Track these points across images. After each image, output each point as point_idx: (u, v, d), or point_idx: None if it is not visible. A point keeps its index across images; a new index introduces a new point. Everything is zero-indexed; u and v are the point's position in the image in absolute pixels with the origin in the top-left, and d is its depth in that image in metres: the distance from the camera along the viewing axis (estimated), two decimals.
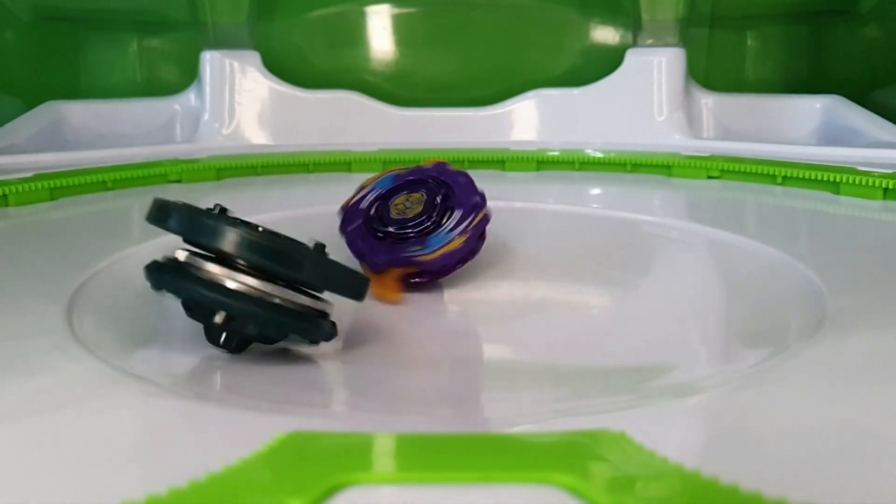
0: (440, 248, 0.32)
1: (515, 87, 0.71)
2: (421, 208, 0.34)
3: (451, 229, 0.33)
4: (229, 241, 0.24)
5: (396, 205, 0.34)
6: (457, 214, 0.33)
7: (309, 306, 0.25)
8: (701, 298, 0.34)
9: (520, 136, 0.69)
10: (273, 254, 0.24)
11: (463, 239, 0.32)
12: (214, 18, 0.71)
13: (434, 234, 0.32)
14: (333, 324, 0.26)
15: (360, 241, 0.33)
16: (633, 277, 0.37)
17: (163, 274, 0.25)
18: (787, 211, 0.48)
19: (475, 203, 0.34)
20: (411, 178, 0.36)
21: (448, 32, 0.77)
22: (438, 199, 0.34)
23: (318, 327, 0.25)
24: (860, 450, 0.18)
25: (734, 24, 0.76)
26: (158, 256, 0.26)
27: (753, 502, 0.15)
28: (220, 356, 0.28)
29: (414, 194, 0.35)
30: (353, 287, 0.26)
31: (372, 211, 0.35)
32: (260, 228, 0.26)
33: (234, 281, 0.24)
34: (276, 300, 0.24)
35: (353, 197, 0.36)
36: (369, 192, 0.36)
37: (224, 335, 0.26)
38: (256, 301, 0.24)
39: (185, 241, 0.26)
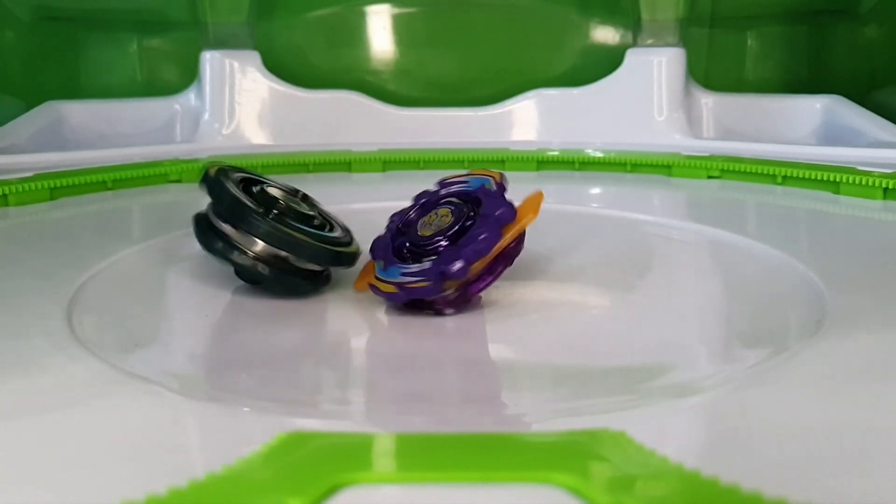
0: (401, 283, 0.29)
1: (515, 87, 0.71)
2: (450, 211, 0.31)
3: (497, 194, 0.30)
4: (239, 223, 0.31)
5: (423, 232, 0.31)
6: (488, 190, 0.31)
7: (286, 265, 0.31)
8: (701, 298, 0.34)
9: (520, 136, 0.69)
10: (280, 242, 0.31)
11: (416, 282, 0.28)
12: (214, 18, 0.71)
13: (489, 204, 0.29)
14: (311, 282, 0.33)
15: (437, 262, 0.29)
16: (633, 277, 0.37)
17: (199, 230, 0.32)
18: (787, 211, 0.48)
19: (478, 239, 0.28)
20: (410, 214, 0.33)
21: (448, 32, 0.77)
22: (455, 200, 0.31)
23: (292, 284, 0.32)
24: (860, 450, 0.18)
25: (734, 24, 0.76)
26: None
27: (753, 502, 0.15)
28: (219, 356, 0.28)
29: (430, 215, 0.31)
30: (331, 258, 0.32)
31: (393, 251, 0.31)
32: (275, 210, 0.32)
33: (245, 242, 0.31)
34: (281, 262, 0.31)
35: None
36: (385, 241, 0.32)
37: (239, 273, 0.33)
38: (253, 259, 0.31)
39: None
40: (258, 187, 0.33)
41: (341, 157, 0.63)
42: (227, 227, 0.31)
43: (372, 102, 0.70)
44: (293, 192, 0.35)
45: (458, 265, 0.28)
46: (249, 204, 0.31)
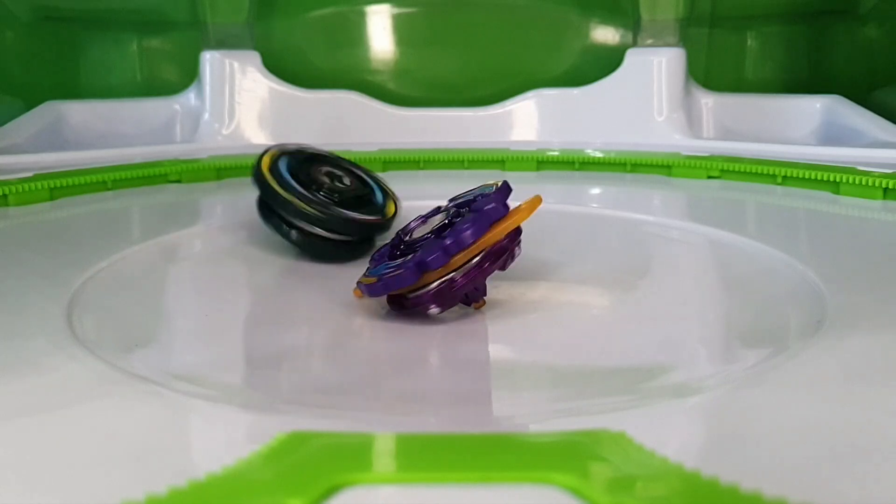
0: (381, 275, 0.28)
1: (515, 87, 0.71)
2: (428, 230, 0.30)
3: (495, 196, 0.28)
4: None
5: (416, 235, 0.31)
6: (443, 240, 0.28)
7: (316, 234, 0.37)
8: (701, 298, 0.34)
9: (520, 136, 0.69)
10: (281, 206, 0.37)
11: (394, 272, 0.28)
12: (214, 18, 0.71)
13: (480, 202, 0.29)
14: (344, 249, 0.38)
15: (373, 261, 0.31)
16: (633, 277, 0.37)
17: (259, 204, 0.39)
18: (787, 211, 0.48)
19: (460, 230, 0.28)
20: (411, 225, 0.33)
21: (448, 32, 0.77)
22: (449, 219, 0.30)
23: (313, 247, 0.38)
24: (860, 450, 0.18)
25: (734, 24, 0.76)
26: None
27: (753, 502, 0.15)
28: (219, 356, 0.28)
29: (427, 223, 0.31)
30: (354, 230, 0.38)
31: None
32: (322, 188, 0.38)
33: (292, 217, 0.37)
34: (316, 232, 0.37)
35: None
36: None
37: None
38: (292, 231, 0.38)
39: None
40: (313, 166, 0.40)
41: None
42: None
43: (372, 102, 0.70)
44: (345, 171, 0.41)
45: (435, 254, 0.27)
46: (267, 177, 0.37)
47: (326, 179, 0.39)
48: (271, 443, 0.17)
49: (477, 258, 0.29)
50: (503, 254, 0.29)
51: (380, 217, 0.39)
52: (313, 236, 0.37)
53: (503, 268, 0.30)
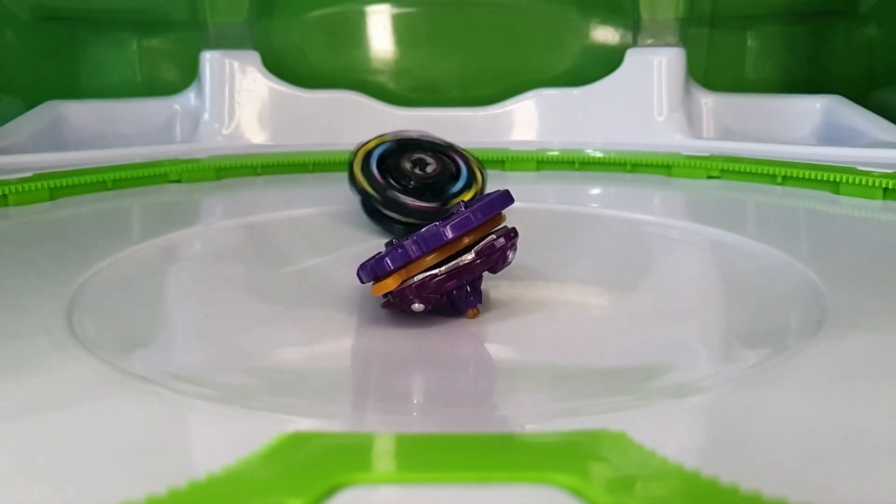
0: (369, 259, 0.28)
1: (515, 87, 0.71)
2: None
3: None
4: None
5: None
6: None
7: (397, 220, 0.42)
8: (701, 298, 0.34)
9: (520, 136, 0.69)
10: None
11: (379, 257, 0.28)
12: (214, 18, 0.71)
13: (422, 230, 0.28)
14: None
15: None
16: (633, 277, 0.37)
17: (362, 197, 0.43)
18: (787, 211, 0.48)
19: (452, 218, 0.28)
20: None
21: (448, 32, 0.77)
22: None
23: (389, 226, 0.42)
24: (860, 450, 0.18)
25: (734, 24, 0.76)
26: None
27: (753, 502, 0.15)
28: (219, 356, 0.28)
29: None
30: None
31: None
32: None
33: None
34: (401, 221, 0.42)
35: None
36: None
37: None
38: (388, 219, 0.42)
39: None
40: (402, 154, 0.43)
41: (341, 157, 0.63)
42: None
43: (372, 102, 0.70)
44: (432, 154, 0.44)
45: (418, 239, 0.28)
46: (370, 166, 0.42)
47: (416, 169, 0.42)
48: (271, 443, 0.17)
49: (466, 255, 0.28)
50: (493, 253, 0.28)
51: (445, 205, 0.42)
52: (407, 224, 0.41)
53: (494, 270, 0.29)
